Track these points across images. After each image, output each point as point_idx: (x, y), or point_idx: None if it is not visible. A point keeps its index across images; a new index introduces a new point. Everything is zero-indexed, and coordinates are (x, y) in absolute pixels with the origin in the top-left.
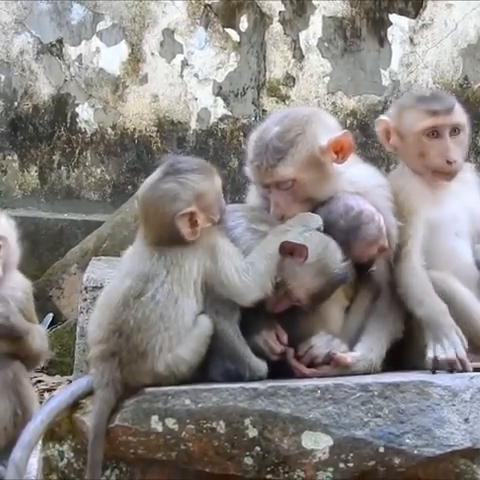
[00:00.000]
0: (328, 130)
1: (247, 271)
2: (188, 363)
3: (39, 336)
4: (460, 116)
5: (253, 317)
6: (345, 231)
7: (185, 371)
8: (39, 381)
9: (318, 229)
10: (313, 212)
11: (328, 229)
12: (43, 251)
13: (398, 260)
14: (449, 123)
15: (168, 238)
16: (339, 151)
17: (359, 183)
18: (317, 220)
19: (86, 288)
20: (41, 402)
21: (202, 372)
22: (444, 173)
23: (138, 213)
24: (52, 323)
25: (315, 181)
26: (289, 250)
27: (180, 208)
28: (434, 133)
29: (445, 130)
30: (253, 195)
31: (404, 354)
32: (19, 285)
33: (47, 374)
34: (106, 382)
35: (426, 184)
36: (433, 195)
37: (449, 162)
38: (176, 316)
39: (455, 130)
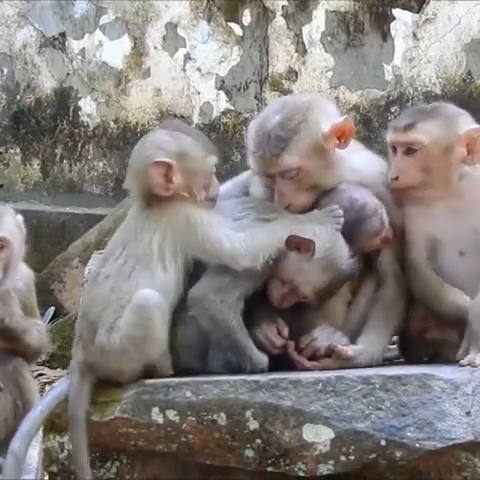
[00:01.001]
0: (329, 116)
1: (243, 240)
2: (130, 337)
3: (38, 331)
4: (422, 135)
5: (254, 309)
6: (349, 223)
7: (131, 348)
8: (40, 374)
9: (337, 230)
10: (317, 203)
11: None
12: (45, 245)
13: (410, 276)
14: (401, 141)
15: (141, 189)
16: (341, 136)
17: (362, 171)
18: (338, 221)
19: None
20: (42, 395)
21: (203, 363)
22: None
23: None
24: (54, 316)
25: (319, 168)
26: (296, 244)
27: (158, 155)
28: (394, 148)
29: (399, 147)
30: (257, 186)
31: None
32: (22, 276)
33: (49, 367)
34: (74, 366)
35: (424, 199)
36: (431, 212)
37: (392, 179)
38: (129, 289)
39: (411, 148)
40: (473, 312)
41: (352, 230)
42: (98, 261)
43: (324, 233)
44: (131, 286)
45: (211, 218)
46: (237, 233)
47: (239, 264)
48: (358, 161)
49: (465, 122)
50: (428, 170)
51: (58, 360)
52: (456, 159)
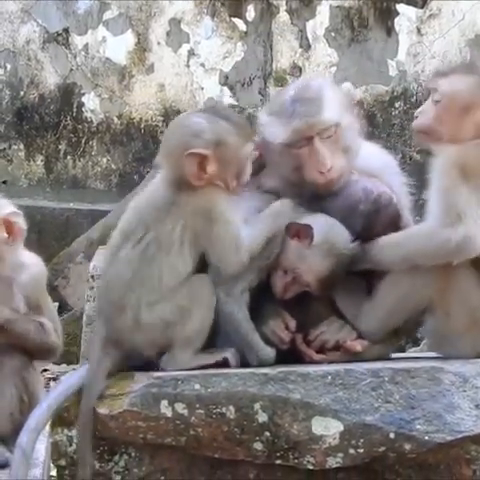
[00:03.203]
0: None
1: (247, 252)
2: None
3: (40, 330)
4: (447, 85)
5: (259, 305)
6: (365, 215)
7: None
8: (45, 370)
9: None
10: (330, 198)
11: (347, 214)
12: (49, 240)
13: None
14: (429, 86)
15: (173, 173)
16: None
17: (370, 165)
18: None
19: (93, 276)
20: (47, 391)
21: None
22: None
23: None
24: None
25: (350, 126)
26: (295, 232)
27: (196, 145)
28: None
29: (430, 92)
30: (269, 179)
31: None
32: (29, 270)
33: (53, 363)
34: (95, 341)
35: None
36: None
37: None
38: (151, 274)
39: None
40: None
41: (369, 221)
42: (117, 234)
43: (320, 218)
44: (154, 274)
45: (230, 217)
46: (245, 244)
47: (229, 272)
48: (364, 155)
49: None
50: (440, 120)
51: (63, 356)
52: (471, 120)
